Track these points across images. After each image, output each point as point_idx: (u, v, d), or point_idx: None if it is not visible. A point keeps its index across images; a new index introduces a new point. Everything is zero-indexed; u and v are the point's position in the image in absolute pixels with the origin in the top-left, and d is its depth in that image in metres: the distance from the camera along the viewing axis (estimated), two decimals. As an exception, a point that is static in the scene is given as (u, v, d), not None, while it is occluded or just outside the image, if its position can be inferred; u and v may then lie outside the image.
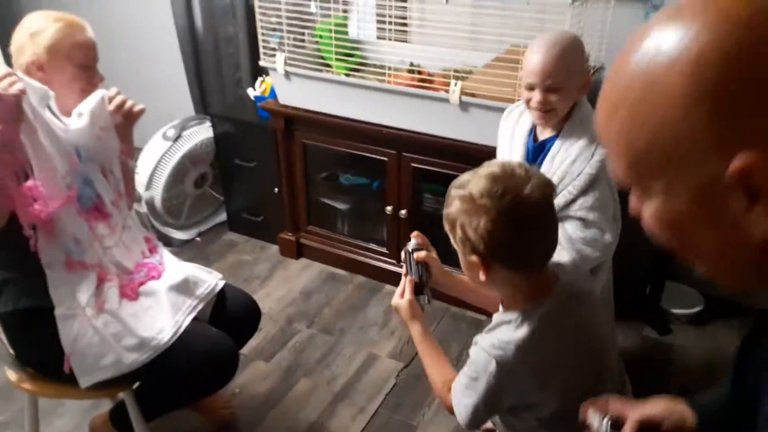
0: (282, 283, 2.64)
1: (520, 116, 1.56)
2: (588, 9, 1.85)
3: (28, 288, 1.41)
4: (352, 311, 2.46)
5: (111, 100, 1.50)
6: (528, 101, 1.43)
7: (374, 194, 2.65)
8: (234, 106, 2.94)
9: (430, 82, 2.11)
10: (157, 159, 2.70)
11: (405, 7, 2.29)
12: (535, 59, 1.38)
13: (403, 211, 2.39)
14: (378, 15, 2.33)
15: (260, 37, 2.33)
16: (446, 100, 2.01)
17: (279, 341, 2.29)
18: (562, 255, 1.39)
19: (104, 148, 1.52)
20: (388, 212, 2.43)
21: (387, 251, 2.57)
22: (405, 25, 2.32)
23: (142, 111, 1.56)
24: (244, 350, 2.05)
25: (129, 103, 1.52)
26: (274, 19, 2.31)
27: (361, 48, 2.46)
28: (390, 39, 2.13)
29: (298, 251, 2.79)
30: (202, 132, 2.84)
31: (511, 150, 1.54)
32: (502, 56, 2.04)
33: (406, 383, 2.09)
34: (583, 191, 1.38)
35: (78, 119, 1.45)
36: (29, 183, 1.31)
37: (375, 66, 2.28)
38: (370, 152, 2.36)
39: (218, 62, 2.98)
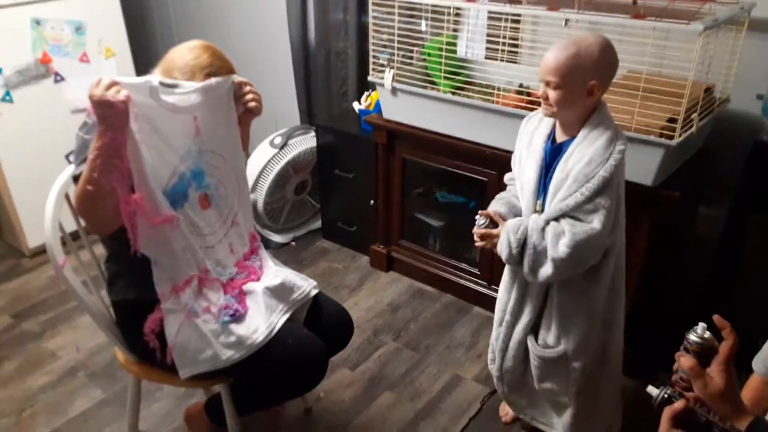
0: (370, 294, 2.66)
1: (540, 122, 1.61)
2: (719, 38, 1.75)
3: (137, 280, 1.50)
4: (438, 329, 2.44)
5: (239, 85, 1.55)
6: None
7: (470, 213, 2.61)
8: (338, 118, 3.02)
9: (540, 104, 2.07)
10: (263, 164, 2.82)
11: (518, 29, 2.27)
12: (546, 55, 1.45)
13: (499, 234, 2.35)
14: (489, 35, 2.32)
15: (371, 53, 2.39)
16: (555, 124, 1.96)
17: (365, 351, 2.31)
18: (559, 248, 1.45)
19: (226, 133, 1.57)
20: (483, 233, 2.40)
21: (479, 272, 2.53)
22: (516, 46, 2.30)
23: (256, 109, 1.59)
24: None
25: (249, 96, 1.56)
26: (385, 36, 2.36)
27: (468, 67, 2.46)
28: (502, 60, 2.11)
29: (388, 264, 2.81)
30: (307, 141, 2.94)
31: (528, 152, 1.58)
32: (619, 81, 1.96)
33: (492, 410, 2.04)
34: (596, 194, 1.41)
35: (206, 82, 1.47)
36: (136, 195, 1.37)
37: (481, 85, 2.27)
38: (471, 171, 2.35)
39: (327, 75, 3.08)
